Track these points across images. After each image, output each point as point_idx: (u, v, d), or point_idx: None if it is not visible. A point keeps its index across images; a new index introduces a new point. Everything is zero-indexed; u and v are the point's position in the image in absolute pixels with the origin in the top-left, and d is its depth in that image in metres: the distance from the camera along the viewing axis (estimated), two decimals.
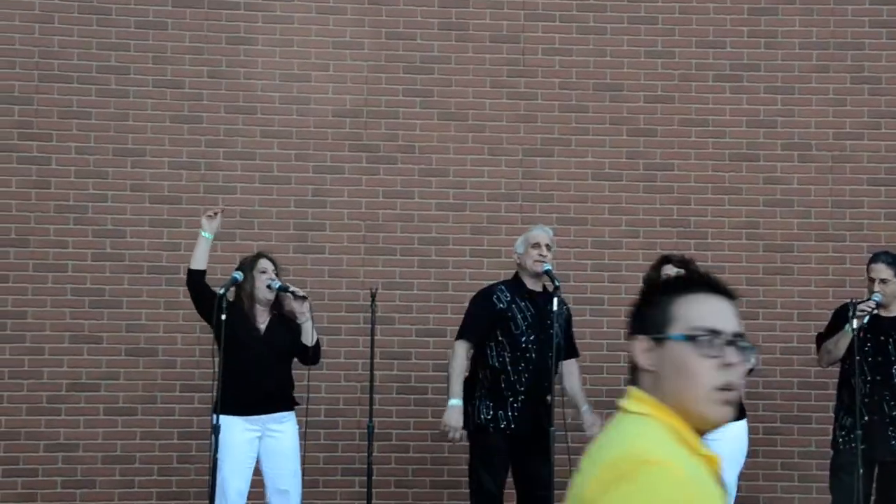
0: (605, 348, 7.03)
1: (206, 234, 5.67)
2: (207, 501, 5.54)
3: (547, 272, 5.65)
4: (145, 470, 6.79)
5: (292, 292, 5.62)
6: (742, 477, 6.89)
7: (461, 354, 5.59)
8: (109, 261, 6.90)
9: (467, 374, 5.74)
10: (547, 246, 5.73)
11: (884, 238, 7.07)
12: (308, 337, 5.67)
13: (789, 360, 7.00)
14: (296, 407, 5.74)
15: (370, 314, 5.82)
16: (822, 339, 5.84)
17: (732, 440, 5.52)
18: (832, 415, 6.01)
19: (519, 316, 5.63)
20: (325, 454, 6.79)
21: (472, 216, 7.19)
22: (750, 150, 7.27)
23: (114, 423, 6.80)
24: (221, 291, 5.46)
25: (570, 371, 5.82)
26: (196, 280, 5.62)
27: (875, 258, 5.85)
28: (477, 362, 5.67)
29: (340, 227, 7.12)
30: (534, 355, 5.61)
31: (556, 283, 5.56)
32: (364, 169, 7.17)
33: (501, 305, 5.63)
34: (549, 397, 5.60)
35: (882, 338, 5.72)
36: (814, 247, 7.19)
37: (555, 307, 5.57)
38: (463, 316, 5.79)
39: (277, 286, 5.67)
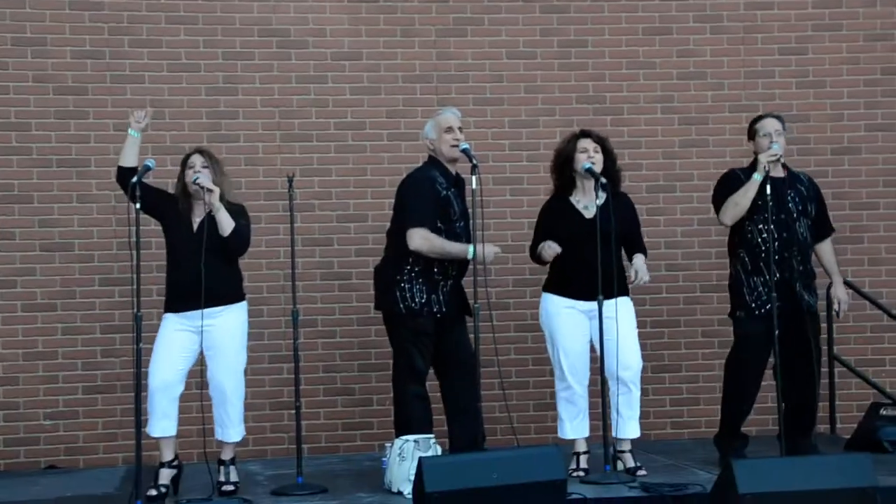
0: (526, 227, 7.03)
1: (132, 133, 5.51)
2: (133, 394, 5.49)
3: (465, 151, 5.59)
4: (69, 365, 6.70)
5: (198, 184, 5.48)
6: (663, 346, 7.08)
7: (431, 235, 5.52)
8: (16, 154, 6.71)
9: (388, 258, 5.69)
10: (459, 128, 5.67)
11: (795, 107, 7.18)
12: (221, 227, 5.55)
13: (706, 231, 7.11)
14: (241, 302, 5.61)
15: (289, 201, 5.73)
16: (718, 202, 5.87)
17: (629, 315, 5.61)
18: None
19: (455, 202, 5.61)
20: (251, 342, 6.72)
21: (388, 99, 7.11)
22: (663, 24, 7.28)
23: (33, 320, 6.69)
24: (134, 180, 5.33)
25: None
26: (127, 177, 5.47)
27: (762, 116, 5.94)
28: (406, 246, 5.60)
29: (254, 115, 6.99)
30: (464, 240, 5.60)
31: (475, 162, 5.50)
32: (275, 54, 7.03)
33: (444, 193, 5.58)
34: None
35: (781, 196, 5.80)
36: (728, 118, 7.27)
37: (473, 185, 5.52)
38: (408, 202, 5.57)
39: (195, 179, 5.53)
